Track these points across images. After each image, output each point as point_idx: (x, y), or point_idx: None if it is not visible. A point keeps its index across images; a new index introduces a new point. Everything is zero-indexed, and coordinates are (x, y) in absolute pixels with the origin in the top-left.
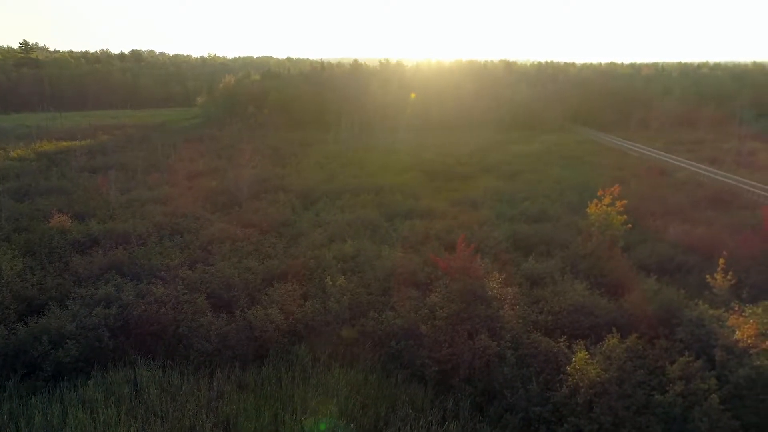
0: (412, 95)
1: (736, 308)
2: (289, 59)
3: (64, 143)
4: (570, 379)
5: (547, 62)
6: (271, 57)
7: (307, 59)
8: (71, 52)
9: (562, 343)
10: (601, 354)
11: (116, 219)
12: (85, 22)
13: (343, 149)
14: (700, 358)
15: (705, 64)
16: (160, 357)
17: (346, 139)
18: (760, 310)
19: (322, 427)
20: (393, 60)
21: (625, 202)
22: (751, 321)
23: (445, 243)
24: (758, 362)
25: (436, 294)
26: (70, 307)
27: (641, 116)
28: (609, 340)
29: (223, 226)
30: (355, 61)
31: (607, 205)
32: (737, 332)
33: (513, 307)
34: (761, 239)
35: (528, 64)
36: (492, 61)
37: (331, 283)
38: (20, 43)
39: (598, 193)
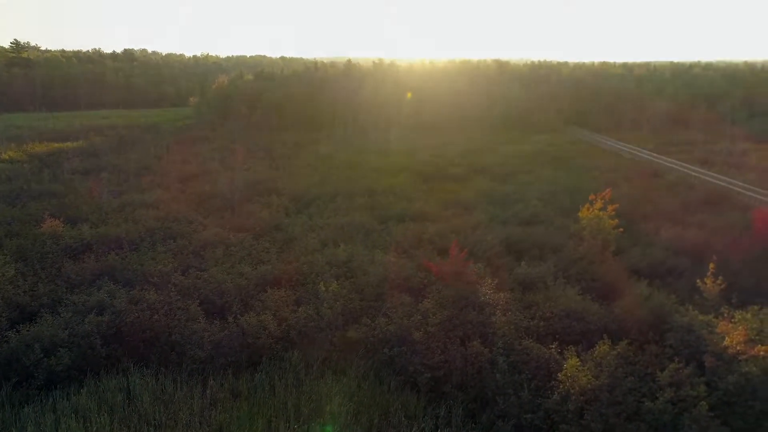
0: (408, 95)
1: (726, 314)
2: (282, 58)
3: (56, 145)
4: (561, 386)
5: (539, 62)
6: (264, 56)
7: (300, 58)
8: (63, 51)
9: (553, 349)
10: (592, 361)
11: (109, 223)
12: (76, 20)
13: (336, 150)
14: (690, 364)
15: (697, 64)
16: (153, 364)
17: (339, 140)
18: (749, 316)
19: (329, 429)
20: (386, 60)
21: (616, 205)
22: (740, 327)
23: (438, 247)
24: (747, 369)
25: (429, 300)
26: (62, 315)
27: (633, 117)
28: (600, 347)
29: (216, 230)
30: (349, 61)
31: (599, 209)
32: (726, 339)
33: (505, 312)
34: (752, 242)
35: (521, 64)
36: (485, 60)
37: (324, 288)
38: (11, 43)
39: (590, 197)
